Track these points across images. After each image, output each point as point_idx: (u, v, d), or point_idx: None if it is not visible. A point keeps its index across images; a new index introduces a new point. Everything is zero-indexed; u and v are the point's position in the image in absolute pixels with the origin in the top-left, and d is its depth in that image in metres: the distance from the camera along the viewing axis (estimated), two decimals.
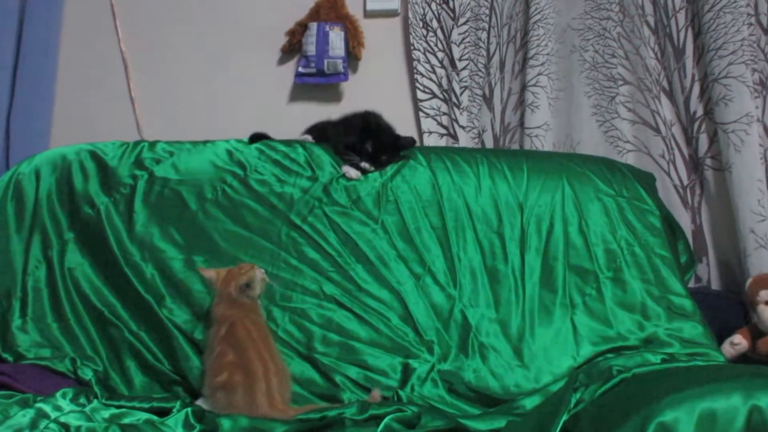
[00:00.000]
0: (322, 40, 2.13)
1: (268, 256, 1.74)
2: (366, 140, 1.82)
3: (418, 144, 2.11)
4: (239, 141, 1.92)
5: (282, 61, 2.26)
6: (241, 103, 2.25)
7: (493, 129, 2.25)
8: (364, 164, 1.80)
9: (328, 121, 2.02)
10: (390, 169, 1.88)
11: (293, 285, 1.71)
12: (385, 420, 1.31)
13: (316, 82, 2.19)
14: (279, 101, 2.26)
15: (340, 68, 2.16)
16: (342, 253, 1.76)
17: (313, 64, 2.15)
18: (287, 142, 1.93)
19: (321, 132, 1.99)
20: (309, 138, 1.98)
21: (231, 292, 1.51)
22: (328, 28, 2.13)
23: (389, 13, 2.21)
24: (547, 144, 2.14)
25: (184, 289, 1.69)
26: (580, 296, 1.75)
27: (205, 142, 1.91)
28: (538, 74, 2.15)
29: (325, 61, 2.14)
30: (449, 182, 1.86)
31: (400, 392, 1.57)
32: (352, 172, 1.84)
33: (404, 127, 2.05)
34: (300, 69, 2.18)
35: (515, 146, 2.21)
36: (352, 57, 2.19)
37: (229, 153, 1.89)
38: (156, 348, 1.66)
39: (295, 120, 2.09)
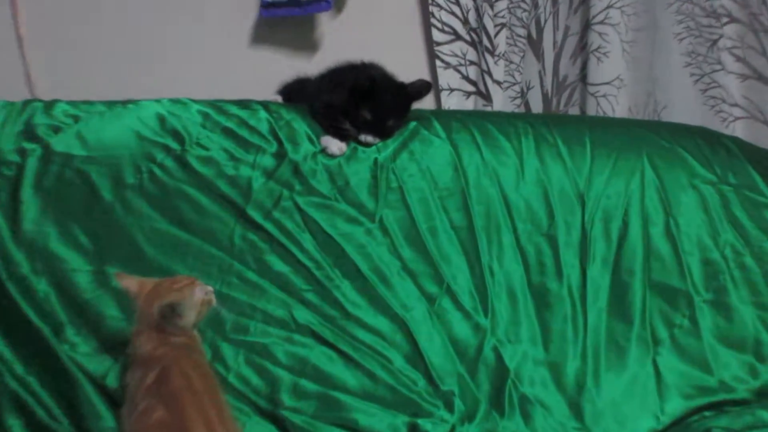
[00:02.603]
0: None
1: (214, 269, 1.74)
2: (363, 102, 1.82)
3: (433, 106, 2.12)
4: (175, 102, 1.92)
5: None
6: (178, 48, 2.25)
7: (542, 85, 2.26)
8: (365, 137, 1.83)
9: (306, 77, 2.03)
10: (391, 142, 1.87)
11: (251, 310, 1.72)
12: None
13: (288, 14, 2.19)
14: (235, 45, 2.27)
15: None
16: (322, 264, 1.76)
17: None
18: (244, 104, 1.93)
19: (296, 92, 2.00)
20: (278, 98, 2.00)
21: (152, 316, 1.48)
22: None
23: None
24: (621, 107, 2.15)
25: (92, 314, 1.69)
26: (666, 328, 1.78)
27: (125, 104, 1.91)
28: (608, 6, 2.16)
29: None
30: (478, 162, 1.87)
31: None
32: (334, 145, 1.83)
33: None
34: None
35: (574, 110, 2.22)
36: None
37: (161, 119, 1.88)
38: (51, 400, 1.63)
39: (258, 73, 2.08)
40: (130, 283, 1.53)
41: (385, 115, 1.84)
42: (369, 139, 1.84)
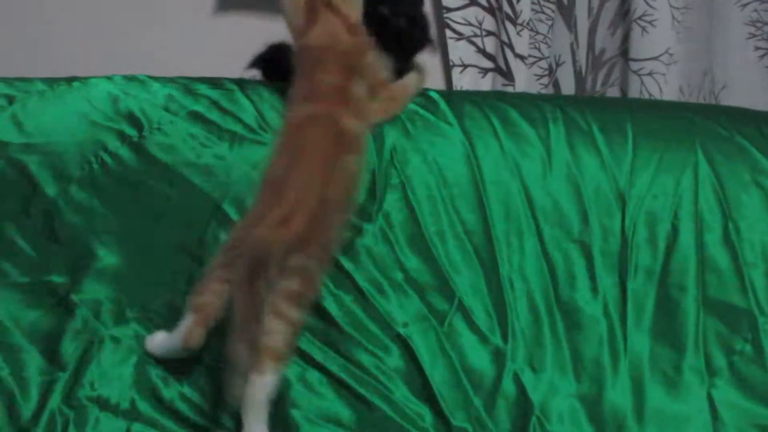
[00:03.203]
0: None
1: (181, 276, 1.75)
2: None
3: (443, 86, 2.13)
4: (130, 79, 1.92)
5: None
6: (131, 13, 2.26)
7: (574, 61, 2.26)
8: None
9: (288, 44, 1.98)
10: (391, 129, 1.86)
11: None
12: None
13: None
14: (199, 9, 2.28)
15: None
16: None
17: None
18: (215, 82, 1.93)
19: (277, 63, 1.97)
20: (255, 74, 2.00)
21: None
22: None
23: None
24: (670, 88, 2.15)
25: (36, 334, 1.71)
26: (724, 355, 1.77)
27: (70, 81, 1.91)
28: None
29: None
30: (497, 154, 1.86)
31: None
32: None
33: (419, 58, 1.99)
34: None
35: (613, 92, 2.22)
36: None
37: (113, 100, 1.88)
38: None
39: (227, 44, 2.09)
40: None
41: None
42: None
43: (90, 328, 1.73)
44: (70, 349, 1.72)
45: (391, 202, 1.83)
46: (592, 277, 1.82)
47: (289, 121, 1.67)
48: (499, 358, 1.75)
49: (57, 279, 1.74)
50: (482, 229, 1.83)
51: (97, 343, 1.72)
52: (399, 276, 1.78)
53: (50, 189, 1.81)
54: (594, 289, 1.81)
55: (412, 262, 1.80)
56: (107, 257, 1.77)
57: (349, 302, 1.76)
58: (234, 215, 1.79)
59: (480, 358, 1.75)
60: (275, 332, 1.51)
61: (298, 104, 1.67)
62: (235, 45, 2.04)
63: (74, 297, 1.74)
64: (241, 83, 1.93)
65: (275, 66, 1.99)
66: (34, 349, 1.72)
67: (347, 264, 1.78)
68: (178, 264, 1.78)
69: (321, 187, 1.58)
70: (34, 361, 1.71)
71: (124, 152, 1.83)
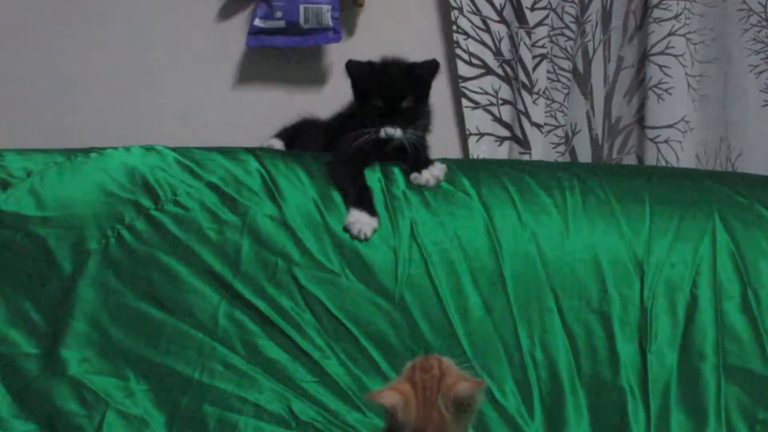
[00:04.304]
0: None
1: (193, 353, 1.76)
2: (370, 91, 1.86)
3: (459, 155, 2.11)
4: (147, 150, 1.91)
5: (224, 10, 2.28)
6: (150, 85, 2.27)
7: (590, 129, 2.25)
8: (385, 130, 1.85)
9: (313, 119, 2.04)
10: (412, 202, 1.86)
11: (239, 403, 1.72)
12: None
13: (284, 45, 2.21)
14: (218, 81, 2.28)
15: (328, 20, 2.18)
16: (328, 352, 1.77)
17: (279, 13, 2.18)
18: (230, 152, 1.93)
19: (298, 134, 2.01)
20: (276, 143, 2.01)
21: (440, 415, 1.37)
22: None
23: None
24: (687, 155, 2.14)
25: (43, 407, 1.70)
26: (746, 425, 1.76)
27: (87, 153, 1.91)
28: (670, 33, 2.15)
29: (301, 7, 2.17)
30: (515, 224, 1.87)
31: None
32: (362, 222, 1.82)
33: (436, 127, 2.02)
34: (256, 21, 2.20)
35: (630, 159, 2.20)
36: (348, 0, 2.23)
37: (130, 171, 1.88)
38: None
39: (245, 116, 2.09)
40: (391, 396, 1.38)
41: (397, 96, 1.86)
42: (389, 131, 1.85)
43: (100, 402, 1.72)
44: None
45: (413, 277, 1.82)
46: (613, 348, 1.80)
47: None
48: None
49: (68, 354, 1.74)
50: (503, 304, 1.82)
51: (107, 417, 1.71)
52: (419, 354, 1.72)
53: (66, 263, 1.81)
54: (615, 360, 1.80)
55: (435, 341, 1.79)
56: (116, 331, 1.77)
57: (371, 383, 1.75)
58: (246, 293, 1.79)
59: None
60: None
61: None
62: (254, 118, 2.10)
63: (84, 372, 1.74)
64: (255, 153, 1.93)
65: (298, 136, 2.02)
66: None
67: (368, 344, 1.78)
68: (188, 341, 1.77)
69: None
70: None
71: (140, 225, 1.84)
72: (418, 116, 1.89)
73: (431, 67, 1.89)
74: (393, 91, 1.85)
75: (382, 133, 1.84)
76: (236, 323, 1.78)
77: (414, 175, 1.87)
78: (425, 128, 1.91)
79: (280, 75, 2.27)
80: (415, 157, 1.89)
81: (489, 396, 1.75)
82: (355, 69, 1.88)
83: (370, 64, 1.89)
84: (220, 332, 1.77)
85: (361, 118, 1.87)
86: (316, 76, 2.17)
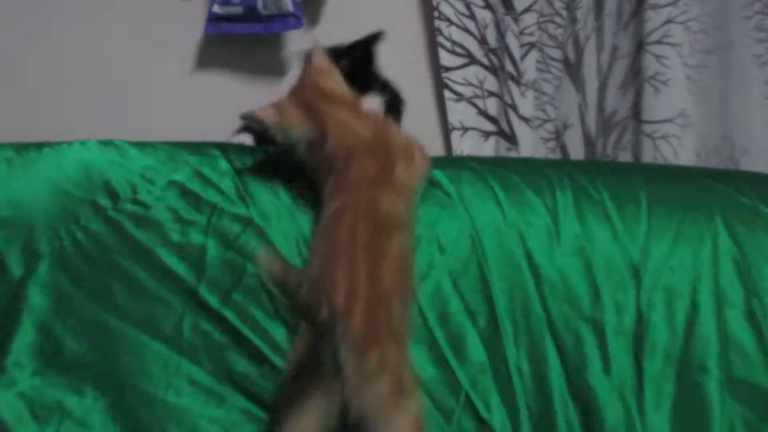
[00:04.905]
0: None
1: (156, 369, 1.72)
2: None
3: (442, 151, 2.11)
4: (105, 144, 1.88)
5: None
6: (102, 74, 2.28)
7: (583, 123, 2.25)
8: None
9: None
10: None
11: (207, 423, 1.70)
12: None
13: (242, 32, 2.21)
14: (175, 71, 2.28)
15: (287, 4, 2.17)
16: None
17: None
18: (198, 147, 1.90)
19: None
20: (245, 139, 1.99)
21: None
22: None
23: None
24: (686, 152, 2.14)
25: None
26: None
27: (39, 147, 1.87)
28: (668, 20, 2.15)
29: None
30: (500, 225, 1.83)
31: None
32: None
33: (415, 123, 2.00)
34: (215, 7, 2.21)
35: (625, 156, 2.21)
36: None
37: (86, 167, 1.85)
38: None
39: (204, 106, 2.11)
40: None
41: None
42: None
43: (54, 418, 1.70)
44: None
45: None
46: (606, 359, 1.77)
47: (324, 221, 1.64)
48: None
49: (16, 375, 1.71)
50: (486, 310, 1.78)
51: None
52: None
53: (16, 267, 1.77)
54: (607, 372, 1.76)
55: (413, 351, 1.70)
56: (71, 343, 1.74)
57: None
58: (212, 301, 1.76)
59: None
60: None
61: (331, 202, 1.65)
62: (213, 111, 2.07)
63: (36, 385, 1.71)
64: (225, 149, 1.90)
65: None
66: None
67: None
68: (151, 354, 1.74)
69: (369, 274, 1.53)
70: None
71: (98, 226, 1.80)
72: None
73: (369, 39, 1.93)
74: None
75: None
76: (202, 334, 1.74)
77: None
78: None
79: (239, 63, 2.29)
80: None
81: (472, 411, 1.73)
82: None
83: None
84: (185, 344, 1.74)
85: None
86: (277, 65, 2.20)
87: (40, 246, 1.78)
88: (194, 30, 2.25)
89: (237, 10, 2.18)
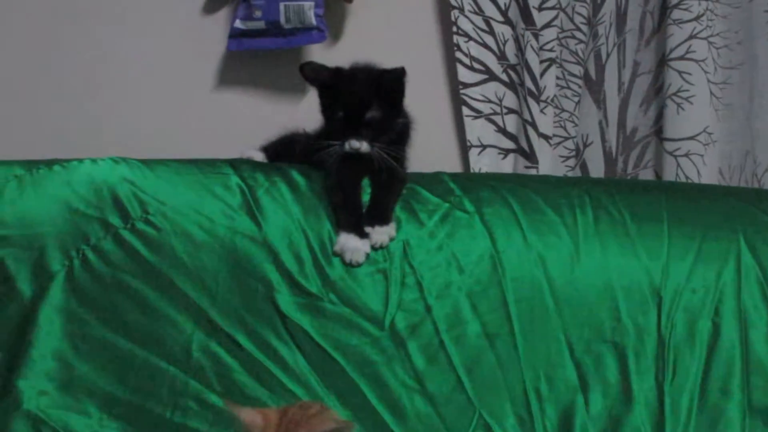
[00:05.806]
0: None
1: (164, 390, 1.72)
2: (333, 101, 1.84)
3: (460, 168, 2.08)
4: (116, 162, 1.87)
5: (205, 11, 2.28)
6: (121, 91, 2.26)
7: (603, 141, 2.23)
8: (352, 143, 1.81)
9: (299, 132, 2.01)
10: (404, 220, 1.83)
11: None
12: None
13: (265, 47, 2.20)
14: (196, 86, 2.27)
15: (311, 18, 2.16)
16: (312, 388, 1.74)
17: (258, 12, 2.17)
18: (209, 164, 1.89)
19: (284, 148, 1.99)
20: (257, 156, 1.98)
21: None
22: None
23: None
24: (709, 170, 2.13)
25: None
26: None
27: (51, 164, 1.86)
28: (691, 36, 2.13)
29: (281, 5, 2.16)
30: (520, 245, 1.83)
31: None
32: (353, 247, 1.78)
33: (432, 140, 2.00)
34: (237, 22, 2.20)
35: (647, 174, 2.20)
36: None
37: (98, 186, 1.84)
38: None
39: (225, 123, 2.08)
40: (252, 415, 1.48)
41: (360, 106, 1.82)
42: (354, 144, 1.81)
43: None
44: None
45: (406, 303, 1.78)
46: (627, 382, 1.75)
47: None
48: None
49: (23, 388, 1.69)
50: (506, 332, 1.77)
51: None
52: (414, 389, 1.74)
53: (25, 286, 1.76)
54: (628, 396, 1.75)
55: (429, 372, 1.75)
56: (80, 364, 1.72)
57: (358, 418, 1.71)
58: (222, 322, 1.75)
59: None
60: None
61: None
62: (235, 126, 2.07)
63: (42, 405, 1.69)
64: (236, 165, 1.89)
65: (283, 150, 1.99)
66: None
67: (356, 376, 1.74)
68: (158, 374, 1.73)
69: None
70: None
71: (108, 245, 1.79)
72: (387, 128, 1.83)
73: (397, 74, 1.84)
74: (355, 100, 1.81)
75: (347, 146, 1.80)
76: (211, 356, 1.74)
77: (367, 229, 1.81)
78: (399, 142, 1.86)
79: (262, 79, 2.27)
80: (382, 188, 1.84)
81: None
82: (310, 73, 1.86)
83: (329, 70, 1.88)
84: (194, 366, 1.74)
85: (327, 131, 1.85)
86: (299, 79, 2.12)
87: (51, 266, 1.77)
88: (217, 46, 2.24)
89: (259, 24, 2.16)
